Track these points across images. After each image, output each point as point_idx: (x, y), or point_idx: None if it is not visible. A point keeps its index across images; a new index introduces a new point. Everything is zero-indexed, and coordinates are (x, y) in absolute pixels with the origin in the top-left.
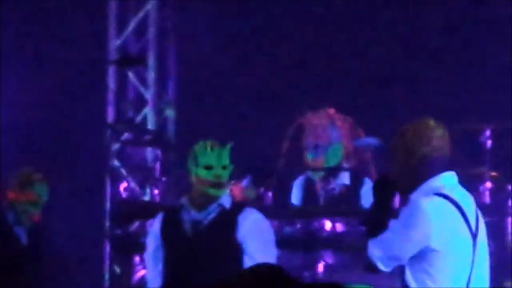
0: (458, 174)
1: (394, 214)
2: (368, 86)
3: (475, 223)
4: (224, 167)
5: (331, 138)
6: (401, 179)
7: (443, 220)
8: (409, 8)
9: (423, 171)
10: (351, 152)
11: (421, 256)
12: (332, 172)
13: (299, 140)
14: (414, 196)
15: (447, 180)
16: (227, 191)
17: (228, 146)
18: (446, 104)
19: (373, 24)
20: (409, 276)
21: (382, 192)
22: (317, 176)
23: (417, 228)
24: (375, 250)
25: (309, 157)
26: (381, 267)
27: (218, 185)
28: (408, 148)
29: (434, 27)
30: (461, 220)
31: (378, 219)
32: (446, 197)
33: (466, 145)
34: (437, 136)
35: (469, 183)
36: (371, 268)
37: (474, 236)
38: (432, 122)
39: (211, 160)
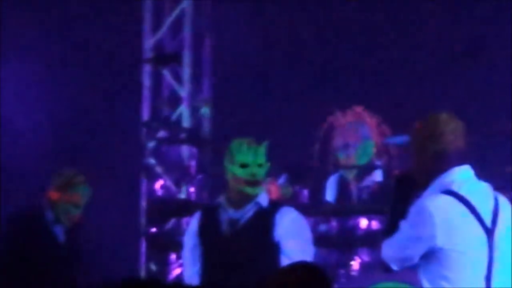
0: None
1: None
2: (396, 85)
3: (491, 217)
4: (260, 165)
5: (360, 136)
6: (417, 175)
7: (448, 218)
8: (438, 7)
9: (436, 167)
10: (381, 149)
11: (431, 256)
12: (364, 170)
13: (330, 140)
14: (424, 193)
15: (460, 175)
16: (264, 189)
17: (264, 144)
18: (476, 104)
19: (400, 24)
20: (422, 276)
21: (400, 190)
22: (350, 175)
23: (421, 228)
24: (387, 251)
25: (340, 157)
26: (394, 267)
27: (254, 183)
28: (420, 144)
29: (463, 27)
30: (471, 216)
31: (394, 219)
32: (453, 193)
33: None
34: (449, 130)
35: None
36: (386, 268)
37: (490, 231)
38: (444, 116)
39: (247, 158)
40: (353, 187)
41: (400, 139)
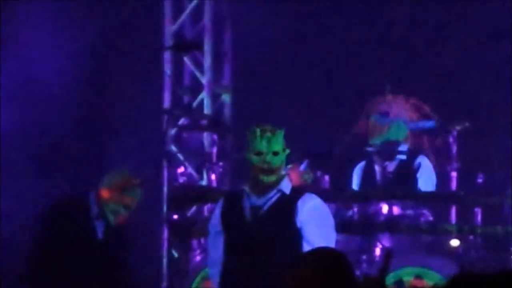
0: None
1: None
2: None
3: None
4: (275, 153)
5: (397, 114)
6: None
7: None
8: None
9: None
10: (410, 134)
11: None
12: (390, 148)
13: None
14: None
15: None
16: (286, 176)
17: (281, 131)
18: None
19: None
20: None
21: None
22: (378, 141)
23: None
24: None
25: (374, 120)
26: None
27: (269, 171)
28: None
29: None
30: None
31: None
32: None
33: None
34: None
35: None
36: None
37: None
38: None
39: (261, 146)
40: (379, 171)
41: (427, 124)
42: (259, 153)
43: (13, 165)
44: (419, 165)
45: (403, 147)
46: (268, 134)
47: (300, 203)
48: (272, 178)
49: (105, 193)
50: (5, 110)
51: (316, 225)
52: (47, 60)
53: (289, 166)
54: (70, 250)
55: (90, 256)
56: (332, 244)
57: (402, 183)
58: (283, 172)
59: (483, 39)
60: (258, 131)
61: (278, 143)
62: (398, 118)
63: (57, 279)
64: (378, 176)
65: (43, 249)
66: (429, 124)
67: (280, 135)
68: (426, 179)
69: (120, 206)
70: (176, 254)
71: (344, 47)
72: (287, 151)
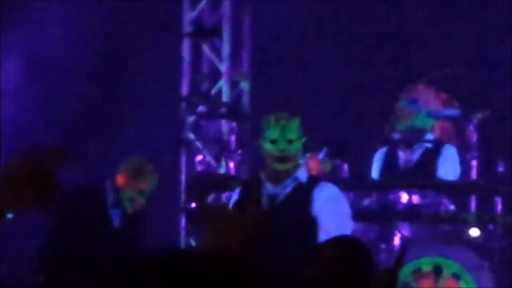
0: None
1: None
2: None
3: None
4: (289, 141)
5: (426, 104)
6: None
7: None
8: None
9: None
10: (437, 126)
11: None
12: (416, 135)
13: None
14: None
15: None
16: (303, 164)
17: (296, 119)
18: None
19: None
20: None
21: None
22: (404, 127)
23: None
24: None
25: (403, 106)
26: None
27: (283, 160)
28: None
29: None
30: None
31: None
32: None
33: None
34: None
35: None
36: None
37: None
38: None
39: (275, 134)
40: (402, 158)
41: (451, 112)
42: (273, 141)
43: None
44: (445, 154)
45: (429, 136)
46: (283, 121)
47: (316, 192)
48: (287, 166)
49: (120, 180)
50: (20, 97)
51: (332, 214)
52: (63, 45)
53: (308, 154)
54: (86, 239)
55: (106, 245)
56: (348, 233)
57: (425, 171)
58: (299, 161)
59: (504, 27)
60: (272, 118)
61: (293, 131)
62: (426, 107)
63: (72, 268)
64: (401, 163)
65: (58, 239)
66: (454, 112)
67: (295, 123)
68: (450, 168)
69: (135, 192)
70: (193, 243)
71: (367, 35)
72: (303, 139)
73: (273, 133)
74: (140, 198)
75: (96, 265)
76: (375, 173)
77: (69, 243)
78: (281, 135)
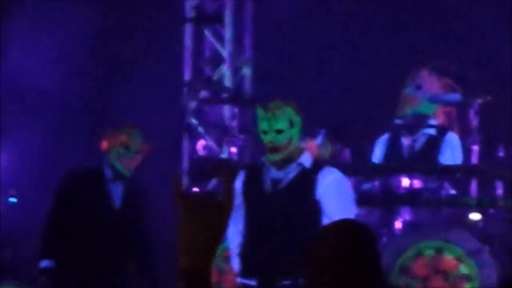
0: None
1: None
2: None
3: None
4: (278, 131)
5: (429, 90)
6: None
7: None
8: None
9: None
10: (440, 112)
11: None
12: (420, 121)
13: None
14: None
15: None
16: (305, 150)
17: (288, 108)
18: None
19: None
20: None
21: None
22: (408, 113)
23: None
24: None
25: (407, 92)
26: None
27: (274, 150)
28: None
29: None
30: None
31: None
32: None
33: None
34: None
35: None
36: None
37: None
38: None
39: (264, 125)
40: (406, 144)
41: (452, 97)
42: (264, 132)
43: (31, 138)
44: (447, 141)
45: (433, 122)
46: (270, 113)
47: (320, 176)
48: (278, 156)
49: (103, 145)
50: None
51: (336, 199)
52: (64, 30)
53: (307, 139)
54: (86, 218)
55: (107, 224)
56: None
57: (428, 158)
58: (299, 146)
59: (504, 12)
60: (261, 110)
61: (282, 121)
62: (429, 93)
63: (75, 249)
64: (404, 150)
65: (60, 220)
66: (455, 97)
67: (286, 112)
68: (452, 156)
69: (118, 148)
70: None
71: (370, 20)
72: (298, 126)
73: (262, 124)
74: (126, 152)
75: (98, 246)
76: (376, 159)
77: (70, 224)
78: (269, 126)
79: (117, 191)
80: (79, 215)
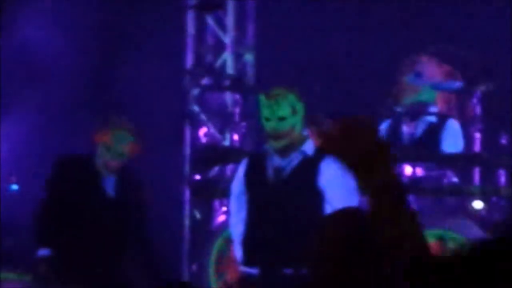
0: None
1: None
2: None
3: None
4: (281, 119)
5: (430, 77)
6: None
7: None
8: None
9: None
10: (440, 98)
11: None
12: (421, 109)
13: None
14: None
15: None
16: (308, 137)
17: (291, 94)
18: None
19: None
20: None
21: None
22: (409, 101)
23: None
24: None
25: (408, 80)
26: None
27: (276, 137)
28: None
29: None
30: None
31: None
32: None
33: None
34: None
35: None
36: None
37: None
38: None
39: (266, 112)
40: (406, 132)
41: (454, 85)
42: (266, 119)
43: (31, 124)
44: (448, 128)
45: (433, 109)
46: (273, 100)
47: (322, 165)
48: (281, 143)
49: (95, 138)
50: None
51: (338, 187)
52: (66, 18)
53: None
54: (78, 207)
55: (100, 213)
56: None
57: (429, 145)
58: (302, 134)
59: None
60: (263, 97)
61: (285, 108)
62: (430, 80)
63: (68, 237)
64: (405, 137)
65: (52, 207)
66: (457, 84)
67: (289, 98)
68: (453, 143)
69: (102, 148)
70: (198, 215)
71: (372, 6)
72: (300, 113)
73: (264, 111)
74: (107, 154)
75: (90, 234)
76: None
77: (63, 213)
78: (271, 113)
79: (110, 181)
80: (71, 204)
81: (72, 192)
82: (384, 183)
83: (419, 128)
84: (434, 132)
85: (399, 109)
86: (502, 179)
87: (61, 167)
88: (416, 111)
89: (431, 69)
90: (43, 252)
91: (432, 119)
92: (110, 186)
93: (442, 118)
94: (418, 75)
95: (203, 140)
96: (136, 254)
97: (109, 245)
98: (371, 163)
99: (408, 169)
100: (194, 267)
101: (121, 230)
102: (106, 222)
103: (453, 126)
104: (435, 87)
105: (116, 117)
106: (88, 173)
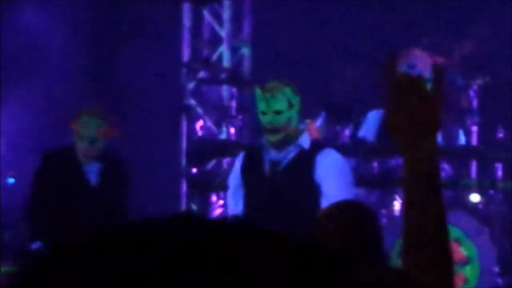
0: None
1: None
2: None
3: None
4: (277, 112)
5: (423, 69)
6: None
7: None
8: None
9: None
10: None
11: None
12: None
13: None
14: None
15: None
16: (304, 131)
17: (287, 87)
18: None
19: None
20: None
21: None
22: None
23: None
24: None
25: (402, 72)
26: None
27: (272, 131)
28: None
29: None
30: None
31: None
32: None
33: None
34: None
35: None
36: None
37: None
38: None
39: (262, 106)
40: None
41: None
42: (263, 113)
43: (28, 117)
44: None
45: None
46: (268, 93)
47: (319, 158)
48: (277, 137)
49: (71, 128)
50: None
51: (335, 180)
52: (65, 12)
53: (307, 121)
54: (63, 198)
55: (84, 202)
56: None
57: None
58: (299, 127)
59: None
60: (259, 90)
61: (281, 102)
62: (424, 73)
63: (56, 228)
64: None
65: (38, 200)
66: (454, 79)
67: (285, 92)
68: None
69: (76, 137)
70: (195, 208)
71: (368, 2)
72: (296, 107)
73: (260, 105)
74: (80, 143)
75: (75, 225)
76: (368, 134)
77: (50, 205)
78: (268, 107)
79: (92, 170)
80: (56, 196)
81: (56, 183)
82: (428, 157)
83: None
84: None
85: None
86: (499, 172)
87: (45, 160)
88: None
89: (425, 61)
90: (35, 245)
91: None
92: (93, 173)
93: None
94: (412, 66)
95: (200, 133)
96: None
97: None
98: (423, 129)
99: None
100: None
101: (106, 218)
102: (89, 210)
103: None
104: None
105: (89, 106)
106: (70, 163)
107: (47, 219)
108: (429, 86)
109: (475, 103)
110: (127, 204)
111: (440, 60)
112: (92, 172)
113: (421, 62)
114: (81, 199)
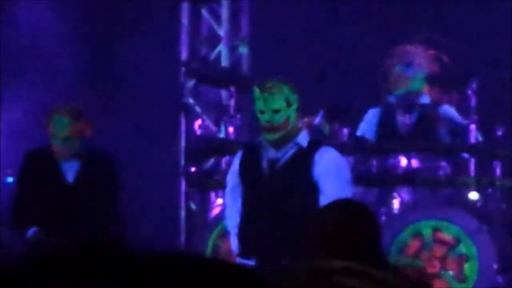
0: None
1: None
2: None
3: None
4: (275, 111)
5: (419, 65)
6: None
7: None
8: None
9: None
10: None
11: None
12: (413, 99)
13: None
14: None
15: None
16: (302, 129)
17: (285, 86)
18: None
19: None
20: None
21: None
22: (402, 92)
23: None
24: None
25: (399, 70)
26: None
27: (270, 130)
28: None
29: None
30: None
31: None
32: None
33: None
34: None
35: None
36: None
37: None
38: None
39: (260, 105)
40: (400, 122)
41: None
42: (261, 112)
43: (26, 115)
44: (443, 114)
45: (425, 98)
46: (266, 92)
47: (317, 156)
48: (275, 135)
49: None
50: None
51: (333, 178)
52: (61, 11)
53: (305, 119)
54: (42, 197)
55: (60, 201)
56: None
57: (425, 133)
58: (297, 125)
59: None
60: (257, 89)
61: (279, 100)
62: (420, 68)
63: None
64: (400, 127)
65: (21, 199)
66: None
67: (283, 90)
68: (450, 128)
69: (51, 136)
70: (194, 207)
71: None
72: (295, 105)
73: (259, 103)
74: (55, 142)
75: (54, 223)
76: (367, 133)
77: (31, 204)
78: (266, 105)
79: (70, 167)
80: (36, 195)
81: (34, 182)
82: None
83: (413, 117)
84: (428, 121)
85: (392, 100)
86: (498, 170)
87: (26, 160)
88: (410, 102)
89: (420, 56)
90: (31, 231)
91: (426, 107)
92: (70, 172)
93: (435, 105)
94: (408, 64)
95: (198, 132)
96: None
97: (72, 231)
98: None
99: (403, 161)
100: None
101: (84, 216)
102: (66, 207)
103: (448, 112)
104: (431, 81)
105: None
106: (47, 161)
107: (29, 219)
108: (423, 81)
109: (473, 101)
110: (117, 198)
111: (433, 51)
112: (70, 169)
113: (417, 59)
114: (56, 197)
